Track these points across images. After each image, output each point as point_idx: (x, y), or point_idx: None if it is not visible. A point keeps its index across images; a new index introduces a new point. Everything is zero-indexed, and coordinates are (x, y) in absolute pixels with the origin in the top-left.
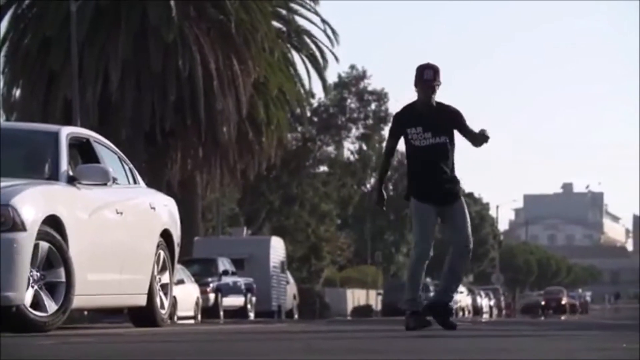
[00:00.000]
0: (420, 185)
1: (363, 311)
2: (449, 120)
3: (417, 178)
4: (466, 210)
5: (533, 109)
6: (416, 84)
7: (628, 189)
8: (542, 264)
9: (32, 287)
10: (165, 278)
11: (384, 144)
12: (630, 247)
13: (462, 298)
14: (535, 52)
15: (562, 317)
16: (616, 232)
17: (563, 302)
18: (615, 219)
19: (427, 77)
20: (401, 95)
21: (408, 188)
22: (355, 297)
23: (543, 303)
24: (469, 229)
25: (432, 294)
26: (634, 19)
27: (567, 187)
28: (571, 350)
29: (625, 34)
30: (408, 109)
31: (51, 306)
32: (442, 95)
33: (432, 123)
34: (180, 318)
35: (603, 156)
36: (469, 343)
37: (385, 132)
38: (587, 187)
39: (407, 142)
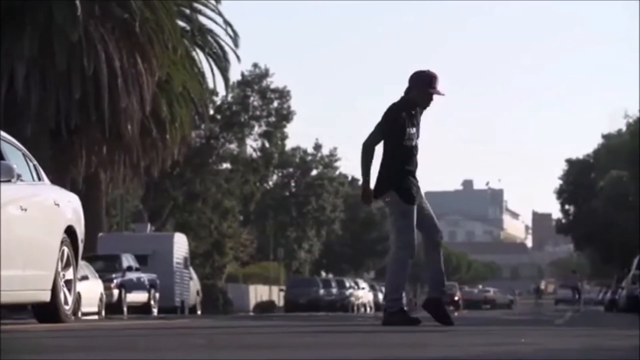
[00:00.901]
0: (410, 187)
1: (266, 307)
2: (419, 122)
3: (406, 179)
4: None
5: (433, 105)
6: (422, 88)
7: (527, 185)
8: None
9: None
10: (69, 274)
11: (371, 138)
12: (529, 243)
13: (363, 294)
14: (429, 44)
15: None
16: (516, 228)
17: (456, 297)
18: (515, 215)
19: (434, 85)
20: (306, 92)
21: (394, 184)
22: (258, 293)
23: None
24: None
25: (334, 290)
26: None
27: (467, 183)
28: (473, 346)
29: (518, 31)
30: (406, 108)
31: None
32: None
33: (418, 124)
34: (84, 314)
35: (503, 153)
36: (369, 338)
37: (287, 129)
38: (487, 183)
39: (397, 140)
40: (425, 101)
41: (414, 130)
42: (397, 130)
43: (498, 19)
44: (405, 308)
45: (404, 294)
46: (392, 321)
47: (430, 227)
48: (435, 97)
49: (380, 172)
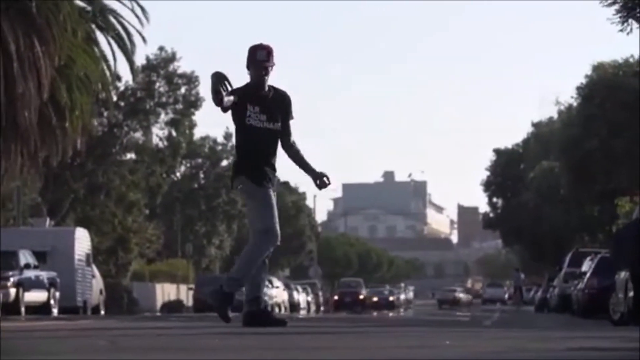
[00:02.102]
0: (260, 168)
1: (173, 307)
2: (281, 105)
3: (255, 160)
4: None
5: (352, 91)
6: (249, 65)
7: (452, 177)
8: (363, 256)
9: None
10: None
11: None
12: (455, 239)
13: (278, 293)
14: (349, 33)
15: (390, 314)
16: (440, 223)
17: (361, 296)
18: (440, 209)
19: (260, 57)
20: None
21: (242, 167)
22: (165, 291)
23: (336, 298)
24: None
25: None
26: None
27: (388, 175)
28: (389, 348)
29: (443, 10)
30: (247, 87)
31: None
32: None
33: (269, 106)
34: None
35: (426, 142)
36: (282, 341)
37: (196, 117)
38: (410, 175)
39: (240, 119)
40: (256, 75)
41: (256, 108)
42: (239, 100)
43: (424, 5)
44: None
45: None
46: (253, 322)
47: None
48: (267, 67)
49: (234, 159)
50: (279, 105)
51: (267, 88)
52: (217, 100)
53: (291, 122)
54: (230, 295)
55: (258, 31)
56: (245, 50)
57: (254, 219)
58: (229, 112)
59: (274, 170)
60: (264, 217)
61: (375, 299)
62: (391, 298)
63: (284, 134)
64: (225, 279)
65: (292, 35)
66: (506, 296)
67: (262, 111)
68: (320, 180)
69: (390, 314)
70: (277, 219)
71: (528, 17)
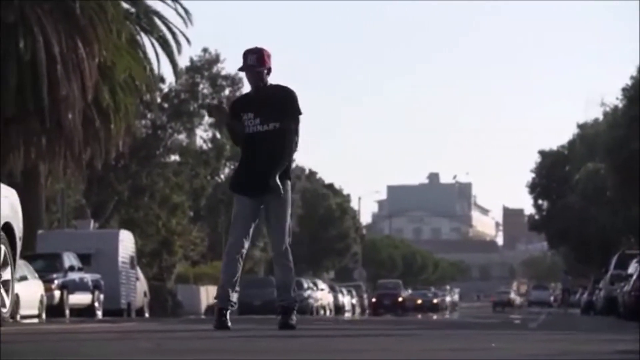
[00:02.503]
0: (236, 175)
1: None
2: (278, 104)
3: (238, 167)
4: (285, 207)
5: (396, 93)
6: (242, 70)
7: (497, 179)
8: (407, 259)
9: None
10: (7, 274)
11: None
12: (500, 241)
13: (323, 296)
14: (395, 35)
15: (434, 316)
16: (485, 225)
17: (400, 299)
18: (485, 211)
19: (250, 62)
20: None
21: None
22: (210, 294)
23: (374, 300)
24: (285, 229)
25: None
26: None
27: (433, 177)
28: (433, 350)
29: (486, 16)
30: (245, 95)
31: None
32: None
33: (261, 109)
34: (23, 317)
35: (471, 144)
36: (327, 343)
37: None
38: (455, 177)
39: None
40: (248, 80)
41: (250, 115)
42: (236, 116)
43: (467, 5)
44: (227, 310)
45: (231, 295)
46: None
47: (270, 233)
48: (257, 75)
49: None
50: (278, 102)
51: (258, 90)
52: (234, 135)
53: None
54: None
55: (301, 32)
56: (289, 50)
57: None
58: None
59: (266, 172)
60: (232, 228)
61: (418, 301)
62: (435, 300)
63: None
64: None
65: (335, 35)
66: (552, 298)
67: (256, 115)
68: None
69: (435, 317)
70: (241, 230)
71: (574, 18)
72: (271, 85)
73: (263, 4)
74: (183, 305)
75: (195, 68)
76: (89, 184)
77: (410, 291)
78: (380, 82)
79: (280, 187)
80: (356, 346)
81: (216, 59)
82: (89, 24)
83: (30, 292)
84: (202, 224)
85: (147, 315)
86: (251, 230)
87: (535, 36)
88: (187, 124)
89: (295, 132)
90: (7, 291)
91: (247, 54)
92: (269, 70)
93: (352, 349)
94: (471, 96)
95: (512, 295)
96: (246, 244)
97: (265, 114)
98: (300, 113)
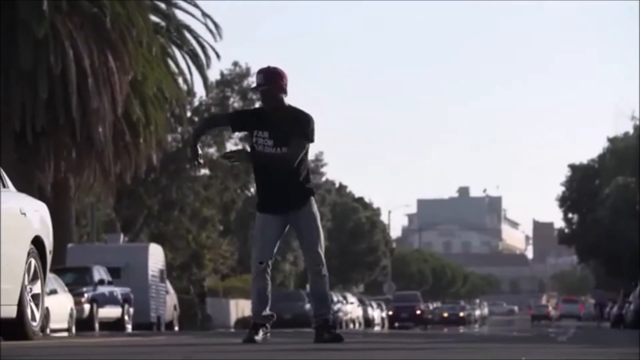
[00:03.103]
0: (260, 195)
1: (248, 323)
2: (292, 127)
3: (258, 186)
4: (316, 223)
5: (427, 107)
6: (253, 89)
7: (527, 193)
8: (437, 272)
9: None
10: (37, 288)
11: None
12: (530, 254)
13: (352, 309)
14: (424, 48)
15: (461, 329)
16: (515, 238)
17: (418, 311)
18: (514, 224)
19: (259, 81)
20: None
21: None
22: (240, 307)
23: (390, 313)
24: (320, 245)
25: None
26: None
27: (463, 190)
28: None
29: (516, 29)
30: (259, 110)
31: None
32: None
33: (277, 131)
34: (53, 331)
35: (501, 158)
36: (359, 356)
37: None
38: (485, 191)
39: (251, 145)
40: (262, 102)
41: (265, 134)
42: (241, 122)
43: (495, 17)
44: (263, 326)
45: (264, 310)
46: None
47: (306, 251)
48: (266, 93)
49: None
50: (293, 125)
51: (273, 110)
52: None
53: (308, 144)
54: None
55: (331, 46)
56: (320, 64)
57: None
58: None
59: (292, 190)
60: (253, 247)
61: (445, 314)
62: (461, 314)
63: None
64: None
65: (365, 49)
66: (581, 312)
67: (271, 136)
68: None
69: (461, 329)
70: (263, 247)
71: (604, 31)
72: (290, 106)
73: (293, 19)
74: (213, 319)
75: (225, 82)
76: (118, 198)
77: (438, 304)
78: (411, 95)
79: (308, 194)
80: (381, 358)
81: (246, 73)
82: (119, 38)
83: (60, 305)
84: (232, 237)
85: (176, 328)
86: (275, 246)
87: (566, 49)
88: (217, 138)
89: (302, 152)
90: (37, 305)
91: (257, 74)
92: (281, 89)
93: None
94: (501, 109)
95: (551, 309)
96: (270, 257)
97: (280, 137)
98: (312, 140)
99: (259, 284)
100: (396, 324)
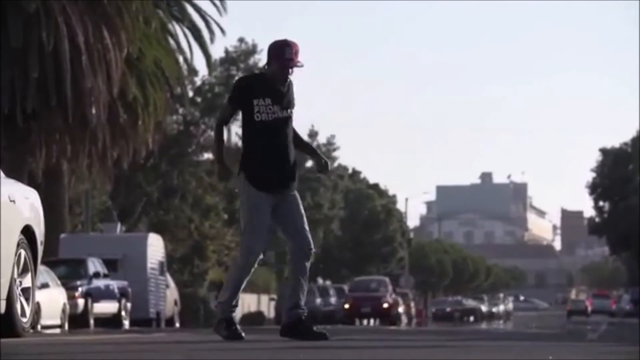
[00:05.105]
0: (259, 168)
1: (254, 319)
2: (292, 95)
3: (257, 160)
4: (300, 202)
5: (447, 87)
6: (272, 60)
7: (555, 179)
8: (458, 265)
9: None
10: (27, 281)
11: (220, 112)
12: (558, 245)
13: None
14: (444, 33)
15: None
16: (542, 228)
17: (385, 305)
18: (541, 213)
19: (288, 56)
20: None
21: (242, 167)
22: (246, 302)
23: (347, 307)
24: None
25: (332, 299)
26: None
27: (485, 177)
28: None
29: (544, 11)
30: (257, 78)
31: None
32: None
33: (282, 96)
34: (44, 327)
35: (527, 141)
36: (374, 354)
37: None
38: (509, 177)
39: (248, 116)
40: (281, 73)
41: (268, 101)
42: (243, 99)
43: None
44: (235, 319)
45: (235, 303)
46: (217, 330)
47: (296, 233)
48: (293, 68)
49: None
50: (290, 93)
51: (286, 85)
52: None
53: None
54: (226, 320)
55: (344, 21)
56: (334, 43)
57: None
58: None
59: (292, 165)
60: (245, 233)
61: (447, 309)
62: (493, 309)
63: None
64: (217, 307)
65: (383, 29)
66: (613, 307)
67: (276, 102)
68: (325, 164)
69: (483, 326)
70: (257, 234)
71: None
72: None
73: None
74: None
75: (230, 59)
76: (115, 185)
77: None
78: (432, 77)
79: (296, 179)
80: (405, 358)
81: (253, 50)
82: (115, 12)
83: (52, 300)
84: (237, 227)
85: (177, 325)
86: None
87: (595, 31)
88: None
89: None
90: (27, 299)
91: (283, 46)
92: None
93: None
94: (527, 90)
95: (588, 305)
96: (265, 247)
97: (286, 102)
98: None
99: (243, 275)
100: (358, 322)
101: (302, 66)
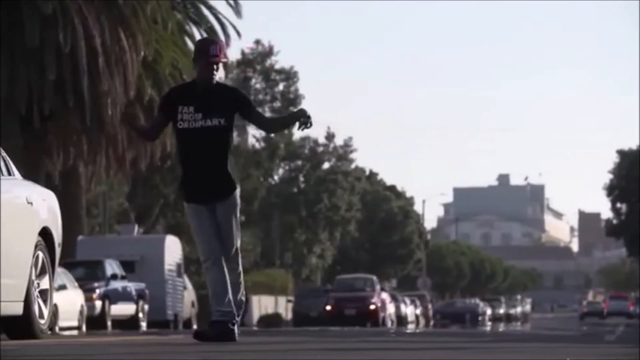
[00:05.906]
0: (184, 179)
1: (271, 320)
2: (230, 101)
3: (183, 169)
4: (235, 214)
5: (464, 89)
6: (198, 59)
7: (572, 180)
8: (475, 266)
9: None
10: (45, 283)
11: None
12: (575, 247)
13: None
14: (462, 35)
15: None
16: (559, 230)
17: (372, 307)
18: (559, 215)
19: (213, 52)
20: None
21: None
22: (263, 304)
23: (329, 308)
24: (235, 238)
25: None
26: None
27: (503, 178)
28: None
29: (562, 12)
30: (185, 85)
31: None
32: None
33: (207, 103)
34: (62, 329)
35: (544, 143)
36: (391, 357)
37: None
38: (526, 178)
39: (174, 124)
40: (207, 70)
41: (191, 108)
42: (167, 106)
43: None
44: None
45: (228, 304)
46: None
47: (222, 234)
48: (219, 65)
49: None
50: (223, 98)
51: (213, 84)
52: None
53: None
54: (219, 322)
55: (358, 23)
56: (350, 45)
57: None
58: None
59: (218, 176)
60: (197, 240)
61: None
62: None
63: (253, 118)
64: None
65: (399, 30)
66: (631, 309)
67: (198, 110)
68: (303, 119)
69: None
70: (203, 236)
71: None
72: (217, 82)
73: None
74: None
75: (247, 61)
76: (132, 186)
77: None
78: (448, 77)
79: (234, 181)
80: (419, 358)
81: (269, 52)
82: (132, 14)
83: (70, 302)
84: (255, 229)
85: (195, 327)
86: (219, 237)
87: (611, 30)
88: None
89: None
90: (45, 301)
91: (209, 44)
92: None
93: None
94: (544, 91)
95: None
96: (221, 251)
97: (211, 109)
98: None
99: (213, 277)
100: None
101: (227, 61)
